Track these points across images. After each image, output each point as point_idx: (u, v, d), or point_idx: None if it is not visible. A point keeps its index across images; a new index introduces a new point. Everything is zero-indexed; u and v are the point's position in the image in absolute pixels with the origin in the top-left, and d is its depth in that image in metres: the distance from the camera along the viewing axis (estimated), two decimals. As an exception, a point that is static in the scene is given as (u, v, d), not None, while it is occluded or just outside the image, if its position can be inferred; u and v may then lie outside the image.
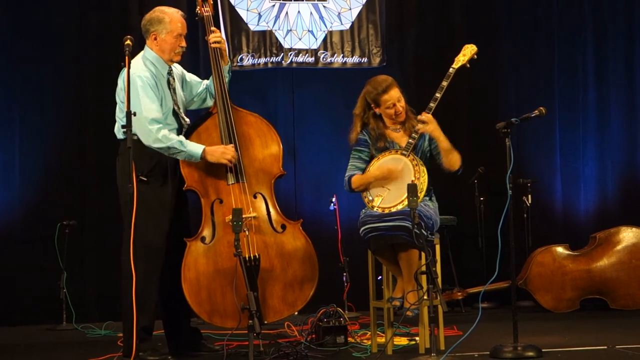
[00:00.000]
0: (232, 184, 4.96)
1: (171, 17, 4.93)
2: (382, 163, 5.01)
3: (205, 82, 5.24)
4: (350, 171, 5.10)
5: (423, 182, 4.89)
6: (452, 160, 5.04)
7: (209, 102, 5.21)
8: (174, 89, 4.99)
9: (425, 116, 4.97)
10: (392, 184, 4.94)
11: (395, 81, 5.12)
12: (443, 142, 4.99)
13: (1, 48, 6.92)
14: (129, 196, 4.40)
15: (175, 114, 4.96)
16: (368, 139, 5.11)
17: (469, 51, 5.18)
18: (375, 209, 4.90)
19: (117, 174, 4.91)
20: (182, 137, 4.87)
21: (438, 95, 5.01)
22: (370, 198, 4.97)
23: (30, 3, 6.95)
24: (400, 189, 4.80)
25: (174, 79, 5.01)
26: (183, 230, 4.96)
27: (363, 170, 5.07)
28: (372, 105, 5.10)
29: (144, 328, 4.70)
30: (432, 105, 5.01)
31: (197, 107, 5.28)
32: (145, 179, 4.77)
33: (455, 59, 5.16)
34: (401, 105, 5.07)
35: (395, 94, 5.06)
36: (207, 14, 5.16)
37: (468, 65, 5.17)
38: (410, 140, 4.99)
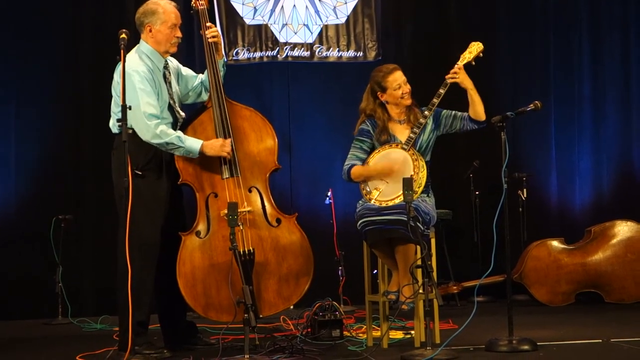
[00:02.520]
0: (226, 178, 4.96)
1: (164, 8, 4.93)
2: (382, 156, 5.01)
3: (201, 76, 5.24)
4: (350, 160, 5.10)
5: (422, 177, 4.90)
6: (480, 110, 5.06)
7: (204, 96, 5.21)
8: (170, 83, 4.99)
9: (457, 67, 4.98)
10: (390, 177, 4.95)
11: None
12: (472, 90, 5.02)
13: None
14: (124, 190, 4.40)
15: (171, 107, 4.96)
16: (371, 130, 5.12)
17: (475, 49, 5.16)
18: (373, 202, 4.91)
19: (113, 169, 4.90)
20: (180, 133, 4.86)
21: (442, 91, 5.02)
22: (368, 190, 4.98)
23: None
24: (399, 183, 4.80)
25: (169, 72, 5.01)
26: (178, 225, 4.96)
27: (363, 161, 5.07)
28: (378, 93, 5.11)
29: (139, 322, 4.70)
30: (436, 100, 5.02)
31: (193, 101, 5.27)
32: (140, 173, 4.76)
33: (461, 55, 5.15)
34: (408, 88, 5.09)
35: (400, 76, 5.09)
36: (202, 7, 5.16)
37: (473, 63, 5.16)
38: (411, 135, 5.00)
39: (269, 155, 5.08)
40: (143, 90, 4.77)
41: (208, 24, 5.12)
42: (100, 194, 6.67)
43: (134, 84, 4.74)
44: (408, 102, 5.11)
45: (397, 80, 5.08)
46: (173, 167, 4.91)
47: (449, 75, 5.01)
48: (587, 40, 7.50)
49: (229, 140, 4.93)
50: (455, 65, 5.01)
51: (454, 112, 5.12)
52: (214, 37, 5.08)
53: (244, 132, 5.06)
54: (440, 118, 5.11)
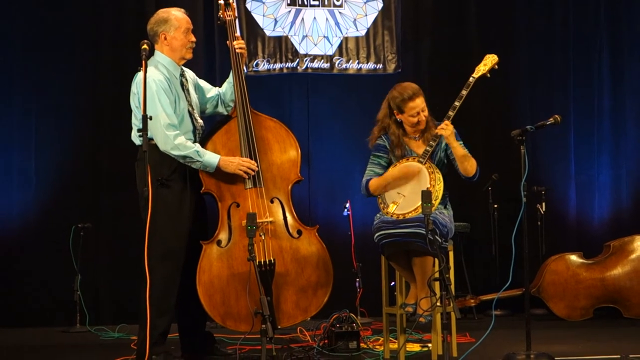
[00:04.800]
0: (249, 188, 4.98)
1: (175, 15, 4.99)
2: (399, 168, 5.01)
3: (217, 89, 5.26)
4: (367, 176, 5.11)
5: (438, 190, 4.89)
6: (468, 166, 5.03)
7: (220, 109, 5.23)
8: (188, 90, 5.02)
9: (445, 123, 4.97)
10: (407, 190, 4.94)
11: (421, 90, 5.11)
12: (457, 148, 4.99)
13: (18, 53, 6.97)
14: (145, 200, 4.41)
15: (190, 115, 4.99)
16: (387, 145, 5.12)
17: (490, 61, 5.17)
18: (390, 215, 4.91)
19: (137, 179, 4.92)
20: (198, 147, 4.89)
21: (457, 103, 5.01)
22: (385, 204, 4.98)
23: (46, 9, 7.00)
24: (415, 196, 4.80)
25: (186, 80, 5.04)
26: (200, 233, 4.98)
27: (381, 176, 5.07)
28: (395, 112, 5.10)
29: (161, 333, 4.73)
30: (451, 113, 5.01)
31: (210, 113, 5.27)
32: (166, 182, 4.78)
33: (476, 68, 5.15)
34: (424, 114, 5.07)
35: (420, 102, 5.05)
36: (229, 18, 5.19)
37: (489, 75, 5.16)
38: (427, 148, 4.99)
39: (292, 167, 5.09)
40: (160, 100, 4.80)
41: (236, 34, 5.16)
42: (119, 203, 6.72)
43: (152, 94, 4.77)
44: (421, 127, 5.11)
45: (416, 108, 5.05)
46: (197, 176, 4.93)
47: (437, 128, 4.99)
48: (607, 53, 7.48)
49: (247, 159, 4.95)
50: (443, 122, 4.97)
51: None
52: (241, 48, 5.13)
53: (268, 143, 5.08)
54: (449, 147, 5.09)
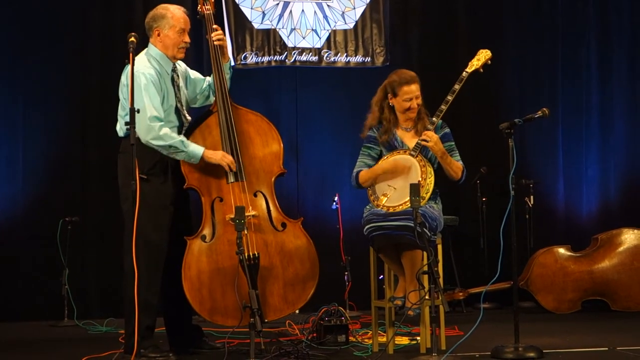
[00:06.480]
0: (231, 182, 4.96)
1: (173, 13, 4.96)
2: (390, 161, 5.01)
3: (208, 79, 5.25)
4: (358, 167, 5.11)
5: (429, 184, 4.90)
6: (452, 171, 5.05)
7: (212, 99, 5.22)
8: (178, 86, 5.00)
9: (429, 134, 4.97)
10: (398, 183, 4.94)
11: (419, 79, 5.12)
12: (440, 157, 5.00)
13: (5, 44, 6.93)
14: (131, 194, 4.40)
15: (177, 111, 4.97)
16: (378, 137, 5.12)
17: (483, 56, 5.19)
18: (380, 208, 4.90)
19: (119, 172, 4.91)
20: (183, 137, 4.88)
21: (450, 98, 5.02)
22: (376, 196, 4.98)
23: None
24: (406, 189, 4.80)
25: (178, 76, 5.02)
26: (184, 229, 4.96)
27: (371, 168, 5.07)
28: (389, 95, 5.10)
29: (147, 326, 4.71)
30: (444, 107, 5.02)
31: (201, 104, 5.29)
32: (145, 177, 4.76)
33: (469, 63, 5.17)
34: (417, 102, 5.08)
35: (415, 89, 5.07)
36: (207, 12, 5.18)
37: (481, 70, 5.18)
38: (419, 142, 4.99)
39: (275, 160, 5.08)
40: (147, 93, 4.78)
41: (215, 26, 5.14)
42: (107, 196, 6.66)
43: (140, 87, 4.75)
44: (412, 115, 5.11)
45: (409, 94, 5.07)
46: (179, 171, 4.92)
47: (422, 138, 4.98)
48: (596, 48, 7.49)
49: (228, 155, 4.94)
50: (424, 134, 4.96)
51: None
52: (219, 39, 5.10)
53: (250, 137, 5.06)
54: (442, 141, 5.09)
